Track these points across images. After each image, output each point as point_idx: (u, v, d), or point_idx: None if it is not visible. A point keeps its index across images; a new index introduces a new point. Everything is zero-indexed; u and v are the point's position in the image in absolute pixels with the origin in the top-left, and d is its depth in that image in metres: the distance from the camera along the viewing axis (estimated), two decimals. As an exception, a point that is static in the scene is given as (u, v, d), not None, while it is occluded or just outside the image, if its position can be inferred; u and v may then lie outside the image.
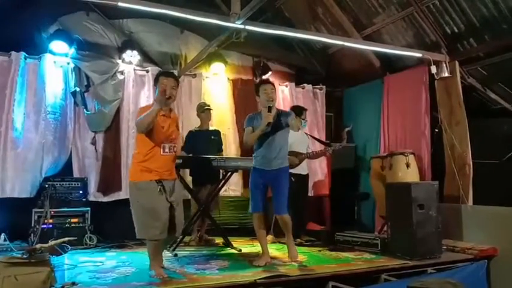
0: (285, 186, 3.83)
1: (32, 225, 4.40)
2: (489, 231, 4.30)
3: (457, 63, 5.05)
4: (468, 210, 4.60)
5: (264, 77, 6.08)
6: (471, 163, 4.82)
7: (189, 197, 4.74)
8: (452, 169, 4.91)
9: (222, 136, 5.51)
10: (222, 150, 5.16)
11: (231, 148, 5.80)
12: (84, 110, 5.10)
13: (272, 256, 4.00)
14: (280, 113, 3.86)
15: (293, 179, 4.43)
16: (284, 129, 3.82)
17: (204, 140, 4.94)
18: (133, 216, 3.29)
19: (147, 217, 3.21)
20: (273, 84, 3.92)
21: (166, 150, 3.30)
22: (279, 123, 3.79)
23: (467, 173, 4.82)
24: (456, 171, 4.86)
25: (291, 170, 4.32)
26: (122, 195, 5.12)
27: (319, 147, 5.45)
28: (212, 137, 5.04)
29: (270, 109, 3.70)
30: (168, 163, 3.35)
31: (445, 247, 4.25)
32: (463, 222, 4.56)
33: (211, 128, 5.15)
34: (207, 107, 5.09)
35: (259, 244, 3.99)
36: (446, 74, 5.00)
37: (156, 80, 3.39)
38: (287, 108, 5.02)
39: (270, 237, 4.84)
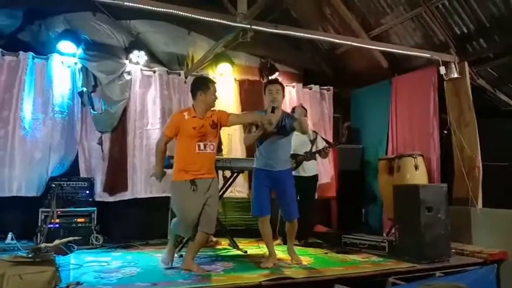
0: (291, 188, 3.80)
1: (39, 224, 4.41)
2: (499, 234, 4.23)
3: (466, 64, 4.99)
4: (477, 213, 4.53)
5: (270, 78, 6.06)
6: (480, 165, 4.75)
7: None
8: (462, 171, 4.84)
9: (228, 137, 5.51)
10: (221, 150, 5.11)
11: (237, 149, 5.77)
12: (91, 110, 5.11)
13: (278, 258, 3.97)
14: (286, 116, 3.81)
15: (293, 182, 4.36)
16: (288, 132, 3.76)
17: None
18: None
19: (178, 214, 3.46)
20: (280, 84, 3.85)
21: (202, 148, 3.45)
22: (283, 125, 3.74)
23: (477, 175, 4.75)
24: (465, 173, 4.80)
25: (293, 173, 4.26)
26: (128, 195, 5.13)
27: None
28: None
29: (273, 110, 3.62)
30: (205, 161, 3.48)
31: (453, 250, 4.18)
32: (472, 226, 4.50)
33: None
34: None
35: (265, 246, 3.96)
36: (455, 75, 4.94)
37: (204, 86, 3.54)
38: (289, 109, 4.93)
39: (277, 241, 4.81)
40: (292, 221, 3.87)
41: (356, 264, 3.90)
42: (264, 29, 4.18)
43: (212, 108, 3.60)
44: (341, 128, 6.68)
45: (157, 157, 3.60)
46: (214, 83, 3.68)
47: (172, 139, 3.55)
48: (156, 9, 3.78)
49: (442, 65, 4.94)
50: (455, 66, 4.95)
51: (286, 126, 3.75)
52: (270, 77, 6.06)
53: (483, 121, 4.91)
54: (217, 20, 4.00)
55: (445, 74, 4.96)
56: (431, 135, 5.24)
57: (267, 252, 3.94)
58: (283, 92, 3.87)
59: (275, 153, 3.75)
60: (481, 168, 4.75)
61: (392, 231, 4.59)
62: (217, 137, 3.63)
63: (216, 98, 3.59)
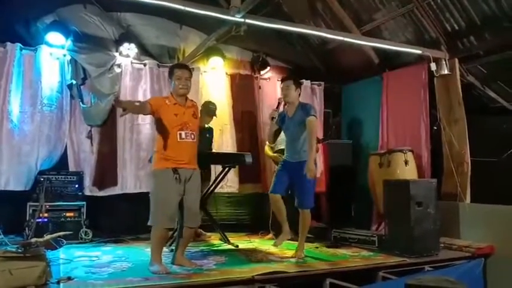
0: (304, 180, 3.79)
1: (27, 219, 4.35)
2: (486, 229, 4.30)
3: (456, 60, 5.03)
4: (466, 208, 4.60)
5: (262, 72, 6.06)
6: (469, 161, 4.83)
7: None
8: (450, 167, 4.90)
9: (219, 132, 5.51)
10: (211, 149, 5.11)
11: (228, 144, 5.75)
12: (80, 103, 5.03)
13: (269, 252, 3.99)
14: (300, 107, 3.94)
15: None
16: (299, 123, 3.86)
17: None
18: (150, 204, 3.37)
19: (159, 205, 3.30)
20: (291, 79, 4.00)
21: (183, 136, 3.36)
22: (296, 117, 3.90)
23: (465, 170, 4.82)
24: (454, 169, 4.86)
25: None
26: (118, 190, 5.08)
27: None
28: (207, 135, 4.99)
29: (278, 106, 4.01)
30: (187, 151, 3.38)
31: (442, 245, 4.25)
32: (461, 220, 4.57)
33: (206, 126, 5.08)
34: (215, 115, 5.07)
35: (256, 240, 3.97)
36: (445, 72, 4.98)
37: (170, 73, 3.49)
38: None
39: (269, 235, 4.84)
40: (302, 210, 3.89)
41: (346, 258, 3.94)
42: (257, 22, 4.16)
43: (191, 98, 3.57)
44: (330, 123, 6.70)
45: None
46: (183, 68, 3.52)
47: (148, 114, 3.46)
48: (148, 1, 3.72)
49: (433, 62, 4.97)
50: (445, 63, 4.99)
51: (297, 118, 3.88)
52: (261, 72, 6.08)
53: (472, 117, 4.98)
54: (211, 14, 3.97)
55: (435, 70, 4.99)
56: (421, 130, 5.28)
57: (258, 247, 3.95)
58: (296, 86, 3.98)
59: (291, 145, 3.98)
60: (469, 163, 4.82)
61: (382, 225, 4.63)
62: (197, 129, 3.54)
63: (181, 84, 3.40)
